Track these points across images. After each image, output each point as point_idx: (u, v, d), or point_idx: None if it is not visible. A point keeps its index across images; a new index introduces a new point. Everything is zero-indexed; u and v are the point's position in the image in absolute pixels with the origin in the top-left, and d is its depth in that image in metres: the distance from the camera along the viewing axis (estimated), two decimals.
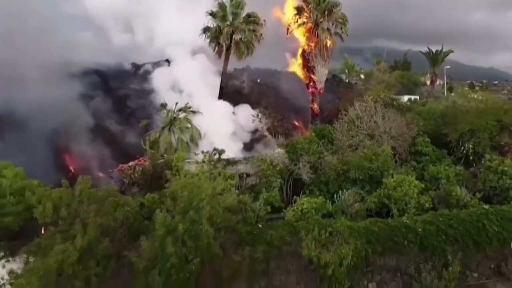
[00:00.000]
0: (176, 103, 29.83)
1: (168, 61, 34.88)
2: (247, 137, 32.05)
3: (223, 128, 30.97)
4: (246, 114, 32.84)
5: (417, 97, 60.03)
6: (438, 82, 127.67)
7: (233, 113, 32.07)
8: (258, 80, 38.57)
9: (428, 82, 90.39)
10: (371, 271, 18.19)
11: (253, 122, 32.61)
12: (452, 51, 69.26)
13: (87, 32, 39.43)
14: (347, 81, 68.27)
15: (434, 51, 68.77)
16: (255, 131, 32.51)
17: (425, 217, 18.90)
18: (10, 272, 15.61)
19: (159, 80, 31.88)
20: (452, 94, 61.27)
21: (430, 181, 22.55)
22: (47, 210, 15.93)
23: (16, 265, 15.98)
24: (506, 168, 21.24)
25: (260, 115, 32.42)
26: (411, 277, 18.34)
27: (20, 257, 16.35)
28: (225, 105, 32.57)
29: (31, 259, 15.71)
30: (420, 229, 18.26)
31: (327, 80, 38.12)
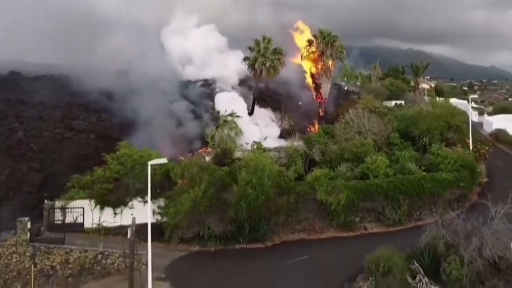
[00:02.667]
0: (226, 110, 42.30)
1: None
2: (275, 132, 44.37)
3: (257, 127, 43.35)
4: (273, 117, 45.26)
5: (403, 102, 71.64)
6: (427, 86, 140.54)
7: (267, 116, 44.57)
8: (300, 103, 50.18)
9: (421, 85, 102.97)
10: (356, 210, 30.65)
11: (278, 122, 45.01)
12: (429, 64, 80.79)
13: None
14: (345, 88, 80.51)
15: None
16: (281, 128, 44.87)
17: (388, 179, 31.24)
18: (159, 207, 28.16)
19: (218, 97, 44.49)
20: (426, 98, 73.34)
21: (395, 160, 34.82)
22: (177, 173, 28.41)
23: (162, 202, 28.36)
24: (440, 152, 33.62)
25: (284, 117, 44.91)
26: (379, 213, 30.78)
27: (161, 200, 28.73)
28: (258, 110, 45.06)
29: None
30: (385, 186, 30.63)
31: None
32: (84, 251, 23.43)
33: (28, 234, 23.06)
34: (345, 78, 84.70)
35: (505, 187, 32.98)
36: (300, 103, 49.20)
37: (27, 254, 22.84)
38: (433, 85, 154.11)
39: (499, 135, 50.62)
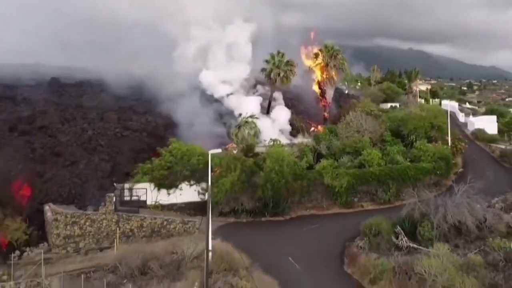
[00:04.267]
0: (247, 113, 49.80)
1: None
2: (287, 130, 51.88)
3: (273, 126, 50.89)
4: (286, 118, 52.81)
5: (398, 104, 79.03)
6: (423, 87, 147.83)
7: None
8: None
9: (417, 87, 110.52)
10: (355, 192, 38.26)
11: (289, 123, 52.57)
12: (418, 72, 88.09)
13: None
14: (346, 92, 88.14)
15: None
16: (292, 127, 52.35)
17: (380, 168, 38.84)
18: (202, 188, 35.78)
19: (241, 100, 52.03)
20: (421, 100, 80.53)
21: (387, 154, 42.35)
22: (216, 163, 36.03)
23: (204, 185, 35.92)
24: (422, 147, 41.24)
25: (295, 117, 52.52)
26: (373, 195, 38.41)
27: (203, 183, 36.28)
28: (273, 111, 52.75)
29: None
30: (377, 173, 38.23)
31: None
32: (153, 219, 31.15)
33: (113, 206, 30.76)
34: (346, 83, 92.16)
35: (476, 176, 40.92)
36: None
37: (113, 220, 30.54)
38: (429, 87, 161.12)
39: (478, 134, 58.16)
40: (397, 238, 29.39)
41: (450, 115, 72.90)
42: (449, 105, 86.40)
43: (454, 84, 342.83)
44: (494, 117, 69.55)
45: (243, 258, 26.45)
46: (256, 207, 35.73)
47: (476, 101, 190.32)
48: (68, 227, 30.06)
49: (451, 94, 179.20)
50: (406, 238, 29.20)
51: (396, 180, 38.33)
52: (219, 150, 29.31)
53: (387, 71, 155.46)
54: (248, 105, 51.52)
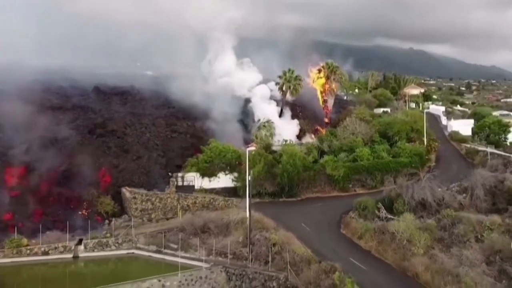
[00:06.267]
0: (264, 118, 60.65)
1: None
2: (296, 131, 62.64)
3: (286, 129, 61.75)
4: (294, 121, 63.67)
5: (389, 109, 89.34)
6: (416, 91, 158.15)
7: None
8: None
9: (405, 94, 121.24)
10: (350, 180, 49.17)
11: (297, 126, 63.43)
12: (406, 78, 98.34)
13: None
14: (345, 98, 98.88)
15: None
16: (300, 129, 63.14)
17: (369, 162, 49.72)
18: (235, 177, 46.74)
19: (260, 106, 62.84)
20: (413, 105, 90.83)
21: (375, 151, 53.14)
22: (244, 156, 46.93)
23: (236, 174, 46.79)
24: (402, 146, 52.12)
25: (302, 121, 63.42)
26: (364, 182, 49.36)
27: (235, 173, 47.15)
28: (284, 115, 63.66)
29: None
30: (367, 166, 49.16)
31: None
32: (203, 197, 42.21)
33: (175, 188, 41.80)
34: (345, 90, 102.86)
35: (444, 168, 51.91)
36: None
37: (175, 198, 41.58)
38: (422, 90, 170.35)
39: (453, 135, 68.93)
40: (378, 211, 40.20)
41: (435, 118, 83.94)
42: (436, 109, 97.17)
43: (453, 84, 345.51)
44: (470, 121, 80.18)
45: (270, 223, 37.41)
46: (275, 191, 46.63)
47: (471, 103, 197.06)
48: (143, 203, 41.15)
49: (444, 97, 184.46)
50: (385, 211, 40.03)
51: (381, 171, 49.23)
52: (253, 148, 40.02)
53: (383, 76, 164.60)
54: (266, 110, 62.50)
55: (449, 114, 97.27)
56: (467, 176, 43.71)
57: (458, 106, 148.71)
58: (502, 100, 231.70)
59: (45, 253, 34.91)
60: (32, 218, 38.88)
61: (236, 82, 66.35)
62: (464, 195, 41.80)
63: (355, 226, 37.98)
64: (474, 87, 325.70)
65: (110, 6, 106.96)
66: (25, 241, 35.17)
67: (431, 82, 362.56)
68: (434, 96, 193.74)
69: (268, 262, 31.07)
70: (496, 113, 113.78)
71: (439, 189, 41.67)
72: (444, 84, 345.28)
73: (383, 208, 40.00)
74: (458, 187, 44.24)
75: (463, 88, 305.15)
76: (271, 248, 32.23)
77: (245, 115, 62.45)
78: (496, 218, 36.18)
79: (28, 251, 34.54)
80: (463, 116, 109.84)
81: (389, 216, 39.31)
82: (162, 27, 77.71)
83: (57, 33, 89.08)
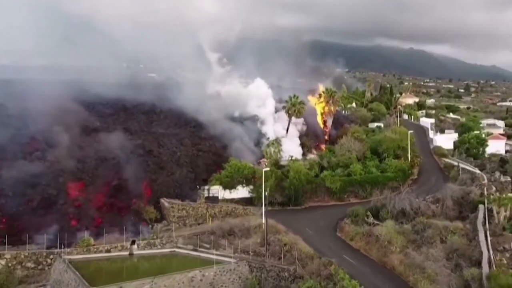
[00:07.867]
0: (272, 136, 70.03)
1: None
2: (299, 148, 72.01)
3: (292, 145, 71.15)
4: (298, 139, 73.08)
5: (382, 124, 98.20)
6: (411, 101, 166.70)
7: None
8: None
9: (409, 101, 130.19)
10: (345, 191, 58.63)
11: (300, 143, 72.85)
12: (400, 94, 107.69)
13: None
14: (343, 112, 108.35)
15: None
16: (303, 146, 72.49)
17: (361, 176, 59.15)
18: (251, 188, 56.26)
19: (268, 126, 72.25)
20: (405, 115, 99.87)
21: (366, 166, 62.50)
22: (258, 171, 56.40)
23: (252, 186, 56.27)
24: (388, 162, 61.51)
25: (305, 139, 72.87)
26: (357, 193, 58.79)
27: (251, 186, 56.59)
28: (291, 134, 73.16)
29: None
30: (359, 179, 58.63)
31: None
32: (227, 207, 51.69)
33: (204, 198, 51.37)
34: (342, 104, 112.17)
35: (423, 181, 61.33)
36: None
37: (204, 207, 51.10)
38: (416, 100, 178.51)
39: (435, 150, 78.32)
40: (367, 218, 49.50)
41: (424, 131, 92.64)
42: (426, 122, 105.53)
43: (452, 86, 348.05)
44: (453, 135, 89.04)
45: (281, 227, 46.79)
46: (284, 201, 56.01)
47: (466, 107, 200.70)
48: (179, 211, 50.65)
49: (438, 105, 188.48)
50: (372, 218, 49.32)
51: (371, 184, 58.64)
52: (267, 169, 49.73)
53: (380, 88, 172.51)
54: (274, 129, 72.06)
55: (437, 127, 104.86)
56: (440, 189, 53.08)
57: (451, 114, 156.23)
58: (498, 104, 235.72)
59: (108, 251, 44.25)
60: (93, 223, 48.37)
61: (244, 99, 75.90)
62: (436, 205, 51.01)
63: (348, 230, 47.26)
64: (473, 89, 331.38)
65: (111, 6, 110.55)
66: (92, 241, 44.60)
67: (430, 84, 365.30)
68: (430, 101, 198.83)
69: (281, 258, 40.23)
70: (484, 121, 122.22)
71: (416, 200, 51.05)
72: (443, 86, 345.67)
73: (371, 215, 49.27)
74: (432, 198, 53.48)
75: (462, 90, 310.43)
76: (283, 247, 41.46)
77: (254, 131, 71.78)
78: (458, 224, 45.40)
79: (95, 249, 43.93)
80: (455, 124, 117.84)
81: (376, 222, 48.46)
82: (164, 29, 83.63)
83: (57, 33, 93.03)
